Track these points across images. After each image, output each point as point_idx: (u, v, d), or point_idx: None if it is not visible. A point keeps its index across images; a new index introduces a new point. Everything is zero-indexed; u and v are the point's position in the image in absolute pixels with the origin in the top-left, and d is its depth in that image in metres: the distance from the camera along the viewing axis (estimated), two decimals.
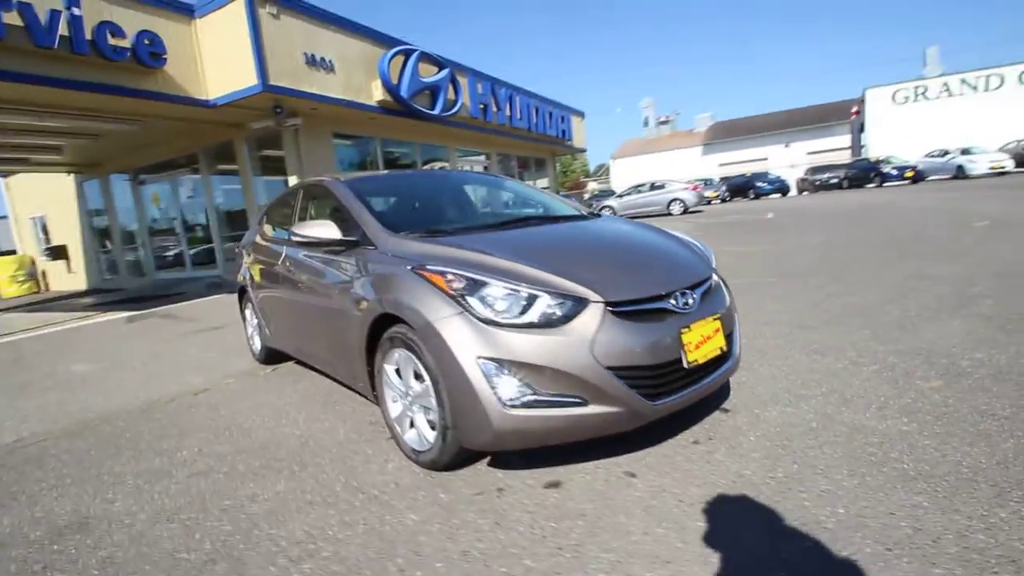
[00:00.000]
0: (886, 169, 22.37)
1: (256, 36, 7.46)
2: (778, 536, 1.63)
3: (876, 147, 27.91)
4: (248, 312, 4.46)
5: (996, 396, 2.38)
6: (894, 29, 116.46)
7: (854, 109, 29.32)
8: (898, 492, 1.77)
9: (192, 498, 2.25)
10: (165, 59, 7.36)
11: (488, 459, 2.27)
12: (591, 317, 1.96)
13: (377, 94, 9.66)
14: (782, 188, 25.98)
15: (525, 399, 1.90)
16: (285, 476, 2.37)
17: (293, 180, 9.21)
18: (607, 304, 1.99)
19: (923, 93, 27.84)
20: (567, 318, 1.95)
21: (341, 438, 2.72)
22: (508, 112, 13.58)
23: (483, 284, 2.03)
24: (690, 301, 2.17)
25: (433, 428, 2.20)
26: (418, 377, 2.21)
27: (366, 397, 2.78)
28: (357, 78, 9.37)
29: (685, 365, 2.06)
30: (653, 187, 19.82)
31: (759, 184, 26.06)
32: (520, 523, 1.83)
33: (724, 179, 27.88)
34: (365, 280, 2.51)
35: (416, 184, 3.81)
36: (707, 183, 25.26)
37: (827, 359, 3.07)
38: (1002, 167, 19.75)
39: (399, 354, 2.28)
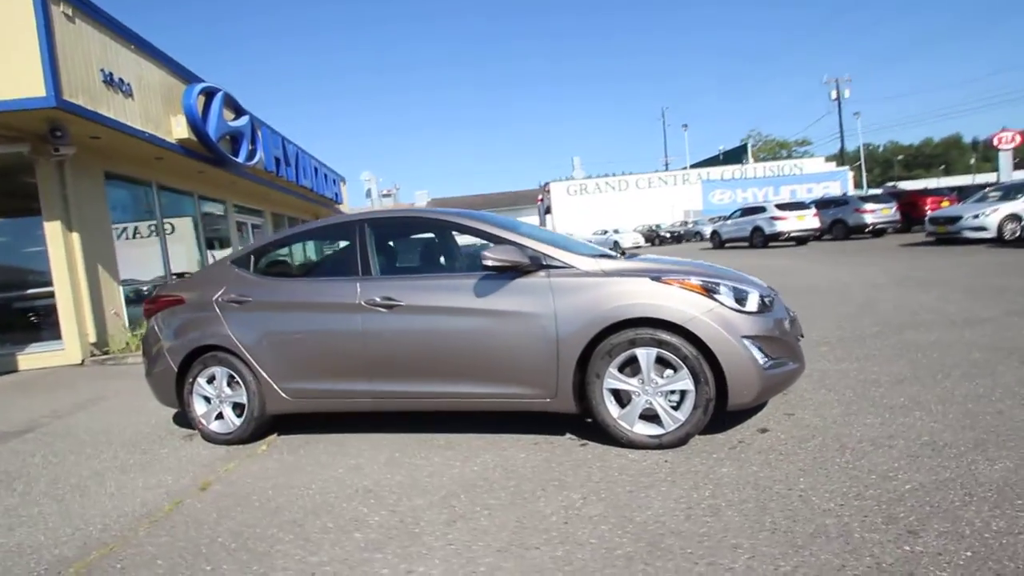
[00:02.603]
0: None
1: (48, 36, 5.57)
2: None
3: (560, 227, 36.50)
4: (210, 384, 3.58)
5: None
6: (554, 138, 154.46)
7: (539, 196, 37.71)
8: None
9: None
10: None
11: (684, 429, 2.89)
12: (776, 305, 2.95)
13: (178, 131, 8.10)
14: None
15: (768, 363, 2.74)
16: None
17: (54, 225, 6.76)
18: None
19: (584, 189, 38.37)
20: (769, 306, 2.89)
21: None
22: (294, 169, 12.84)
23: (716, 285, 2.79)
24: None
25: (677, 408, 2.74)
26: (669, 368, 2.73)
27: (544, 413, 2.96)
28: (155, 109, 7.72)
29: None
30: None
31: None
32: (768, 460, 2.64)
33: None
34: (578, 296, 2.84)
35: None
36: None
37: None
38: (638, 243, 28.73)
39: (645, 353, 2.74)
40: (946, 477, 2.22)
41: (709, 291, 2.76)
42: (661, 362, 2.76)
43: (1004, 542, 1.76)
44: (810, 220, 18.35)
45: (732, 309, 2.72)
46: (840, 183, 34.06)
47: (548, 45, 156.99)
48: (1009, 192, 13.74)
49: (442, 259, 3.50)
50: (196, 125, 8.21)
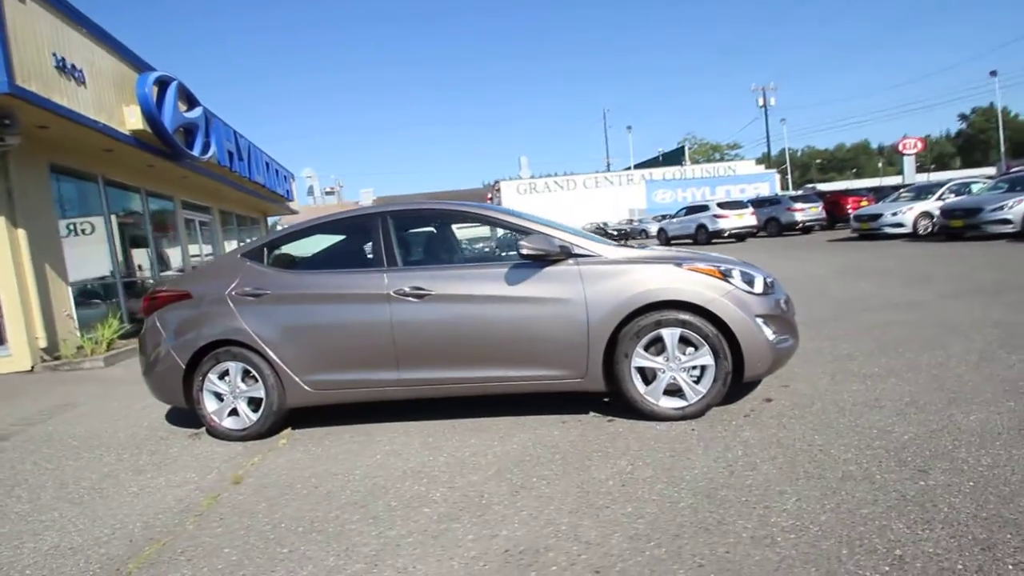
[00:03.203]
0: None
1: None
2: None
3: None
4: (221, 380, 3.52)
5: None
6: (501, 138, 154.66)
7: (488, 195, 37.87)
8: None
9: None
10: None
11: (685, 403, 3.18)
12: (776, 287, 3.29)
13: (132, 122, 7.61)
14: None
15: (776, 339, 3.06)
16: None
17: None
18: None
19: (534, 188, 38.88)
20: (771, 287, 3.22)
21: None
22: (247, 164, 12.31)
23: (730, 270, 3.09)
24: None
25: (697, 382, 3.02)
26: (690, 346, 3.00)
27: (571, 393, 3.15)
28: (108, 99, 7.22)
29: None
30: None
31: None
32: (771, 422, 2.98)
33: None
34: (607, 282, 3.05)
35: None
36: None
37: None
38: None
39: (670, 333, 3.00)
40: (934, 428, 2.62)
41: (725, 275, 3.05)
42: (682, 341, 3.02)
43: (995, 473, 2.14)
44: (748, 218, 19.66)
45: (745, 291, 3.03)
46: (769, 184, 36.53)
47: (494, 45, 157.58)
48: (920, 193, 15.43)
49: (463, 249, 3.60)
50: (151, 116, 7.74)
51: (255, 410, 3.54)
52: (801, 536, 1.87)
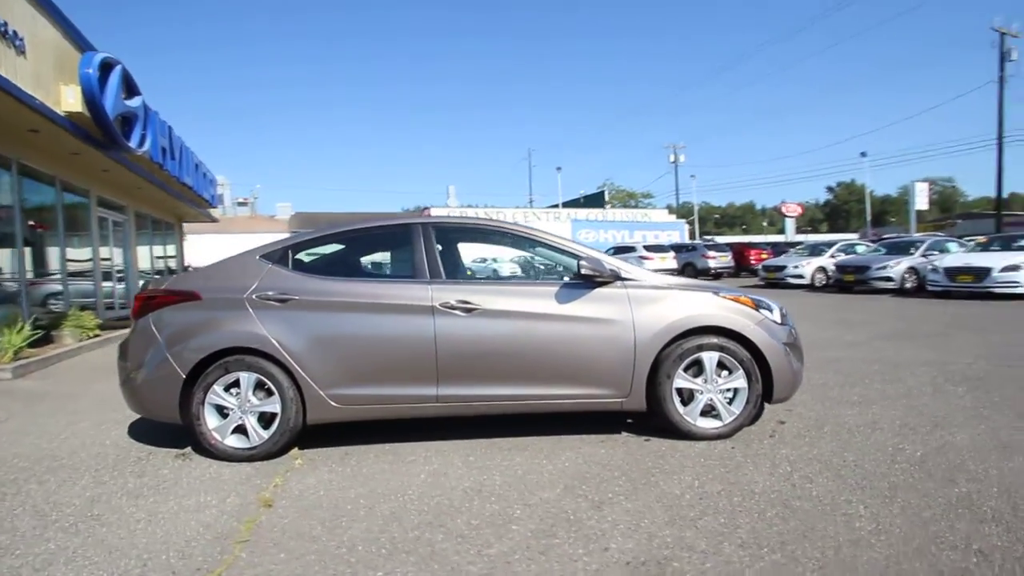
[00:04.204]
0: None
1: None
2: None
3: None
4: (227, 392, 3.19)
5: None
6: (427, 166, 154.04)
7: None
8: None
9: None
10: None
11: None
12: (788, 318, 3.64)
13: (70, 103, 6.75)
14: None
15: (797, 366, 3.38)
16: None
17: None
18: None
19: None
20: (786, 317, 3.55)
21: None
22: (178, 163, 11.27)
23: (760, 300, 3.39)
24: None
25: (730, 403, 3.24)
26: (724, 370, 3.22)
27: (615, 412, 3.24)
28: (46, 75, 6.38)
29: None
30: None
31: None
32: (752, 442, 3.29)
33: None
34: (654, 306, 3.22)
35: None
36: None
37: None
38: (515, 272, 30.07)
39: (709, 357, 3.20)
40: (936, 446, 3.02)
41: (757, 305, 3.34)
42: (718, 364, 3.24)
43: (1009, 480, 2.52)
44: (670, 261, 21.30)
45: (772, 320, 3.33)
46: (680, 232, 39.68)
47: (426, 68, 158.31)
48: (814, 250, 17.74)
49: (509, 267, 3.60)
50: (92, 98, 6.91)
51: (265, 427, 3.23)
52: (889, 537, 2.07)
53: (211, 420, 3.21)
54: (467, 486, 2.75)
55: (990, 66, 23.51)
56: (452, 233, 3.49)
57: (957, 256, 12.35)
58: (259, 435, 3.21)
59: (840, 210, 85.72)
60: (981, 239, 13.94)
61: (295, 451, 3.33)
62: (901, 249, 14.35)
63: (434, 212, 39.52)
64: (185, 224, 19.15)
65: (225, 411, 3.22)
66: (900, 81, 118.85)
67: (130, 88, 8.47)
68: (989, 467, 2.68)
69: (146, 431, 3.78)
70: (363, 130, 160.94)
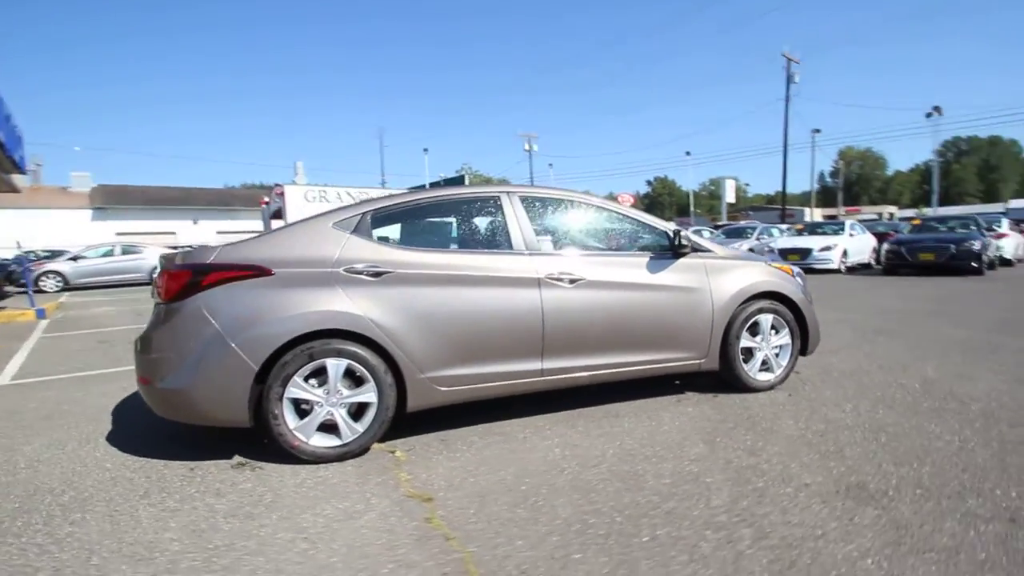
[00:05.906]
0: None
1: None
2: None
3: None
4: (308, 382, 2.75)
5: None
6: (272, 142, 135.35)
7: (264, 199, 33.31)
8: None
9: None
10: None
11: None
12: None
13: None
14: None
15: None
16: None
17: None
18: None
19: (324, 196, 35.73)
20: (806, 282, 4.16)
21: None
22: None
23: (795, 269, 3.94)
24: None
25: (777, 357, 3.75)
26: (773, 329, 3.70)
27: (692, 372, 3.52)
28: None
29: None
30: (126, 251, 16.16)
31: None
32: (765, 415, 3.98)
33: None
34: (726, 275, 3.55)
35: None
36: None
37: None
38: None
39: (765, 318, 3.65)
40: (944, 431, 3.88)
41: (795, 272, 3.89)
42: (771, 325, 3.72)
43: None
44: None
45: (802, 285, 3.91)
46: None
47: (275, 56, 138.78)
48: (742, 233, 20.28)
49: (593, 238, 3.57)
50: None
51: (356, 419, 2.83)
52: (974, 478, 2.52)
53: (291, 419, 2.71)
54: (611, 452, 2.79)
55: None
56: (536, 203, 3.38)
57: (786, 239, 15.28)
58: (352, 429, 2.80)
59: (656, 202, 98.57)
60: (799, 226, 17.38)
61: (384, 444, 2.98)
62: (740, 234, 17.24)
63: (289, 189, 35.83)
64: None
65: (304, 406, 2.75)
66: (718, 93, 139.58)
67: None
68: (989, 442, 3.57)
69: (136, 446, 3.02)
70: (184, 95, 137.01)
